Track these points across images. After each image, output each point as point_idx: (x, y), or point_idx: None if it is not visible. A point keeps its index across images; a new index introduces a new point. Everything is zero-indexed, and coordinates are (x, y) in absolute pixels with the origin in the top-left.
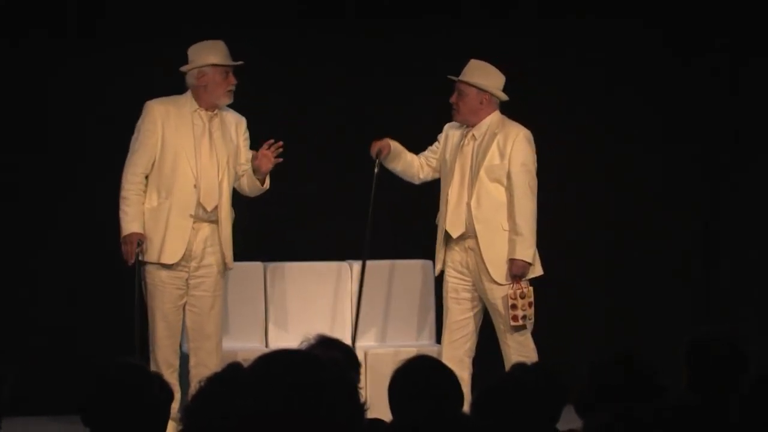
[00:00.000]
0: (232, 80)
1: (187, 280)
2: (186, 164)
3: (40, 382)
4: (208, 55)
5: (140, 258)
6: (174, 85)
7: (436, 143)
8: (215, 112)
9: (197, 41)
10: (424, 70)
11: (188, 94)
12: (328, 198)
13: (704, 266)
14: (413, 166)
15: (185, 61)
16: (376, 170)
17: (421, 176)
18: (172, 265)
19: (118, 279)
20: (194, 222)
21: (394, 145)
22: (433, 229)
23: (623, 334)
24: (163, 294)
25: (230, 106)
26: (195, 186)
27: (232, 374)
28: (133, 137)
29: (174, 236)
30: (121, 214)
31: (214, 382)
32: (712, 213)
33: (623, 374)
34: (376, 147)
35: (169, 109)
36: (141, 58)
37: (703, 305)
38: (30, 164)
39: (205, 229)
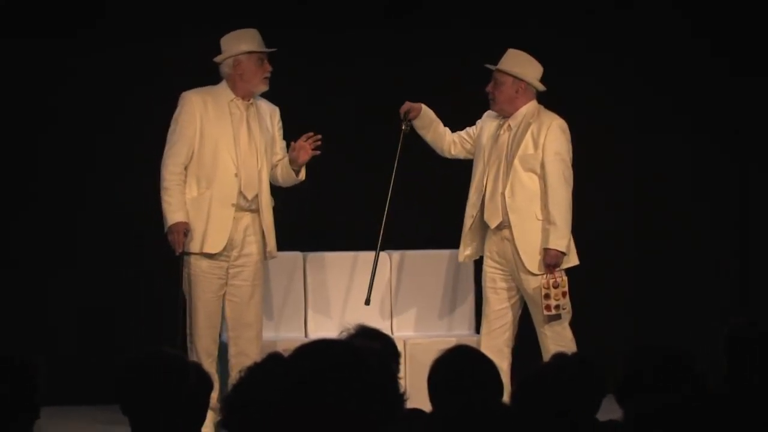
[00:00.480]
0: (268, 67)
1: (227, 269)
2: (226, 154)
3: (80, 372)
4: (241, 44)
5: (184, 248)
6: (179, 83)
7: (474, 127)
8: (251, 101)
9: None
10: (454, 60)
11: (223, 84)
12: (367, 188)
13: (736, 258)
14: (444, 139)
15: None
16: (403, 128)
17: (453, 152)
18: (214, 254)
19: (155, 269)
20: (236, 211)
21: (426, 110)
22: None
23: (655, 326)
24: (204, 283)
25: (266, 97)
26: (236, 175)
27: (273, 364)
28: (171, 129)
29: (216, 226)
30: (164, 205)
31: (255, 371)
32: (743, 205)
33: (663, 363)
34: (406, 106)
35: (206, 99)
36: (142, 57)
37: (735, 298)
38: (45, 164)
39: (246, 218)
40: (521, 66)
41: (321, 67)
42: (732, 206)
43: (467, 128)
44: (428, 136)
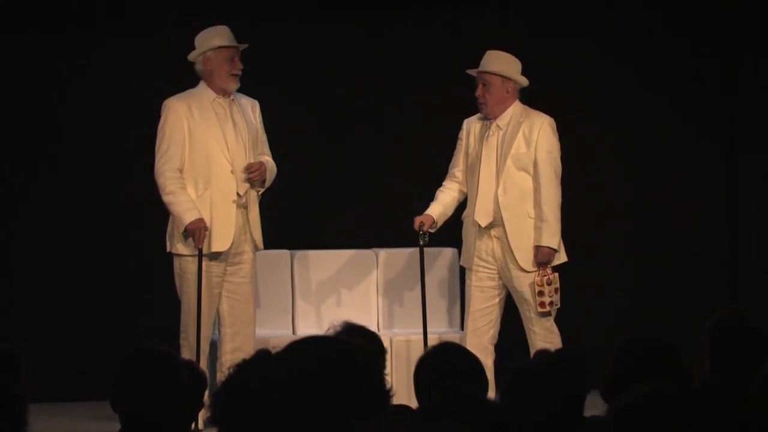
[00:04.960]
0: (238, 64)
1: (225, 267)
2: (219, 152)
3: (71, 368)
4: (210, 40)
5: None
6: (184, 81)
7: (457, 152)
8: (232, 98)
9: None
10: (443, 60)
11: (202, 84)
12: (354, 186)
13: (726, 252)
14: (455, 203)
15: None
16: (421, 243)
17: (464, 190)
18: (217, 253)
19: (150, 267)
20: (236, 207)
21: (436, 214)
22: (457, 217)
23: (642, 321)
24: (203, 282)
25: (255, 95)
26: (232, 172)
27: (261, 361)
28: (158, 137)
29: (221, 224)
30: (174, 208)
31: (244, 368)
32: (732, 202)
33: (649, 357)
34: (417, 221)
35: (189, 103)
36: (144, 54)
37: (725, 291)
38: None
39: (240, 217)
40: (505, 64)
41: (307, 64)
42: (720, 203)
43: (451, 163)
44: (450, 215)
